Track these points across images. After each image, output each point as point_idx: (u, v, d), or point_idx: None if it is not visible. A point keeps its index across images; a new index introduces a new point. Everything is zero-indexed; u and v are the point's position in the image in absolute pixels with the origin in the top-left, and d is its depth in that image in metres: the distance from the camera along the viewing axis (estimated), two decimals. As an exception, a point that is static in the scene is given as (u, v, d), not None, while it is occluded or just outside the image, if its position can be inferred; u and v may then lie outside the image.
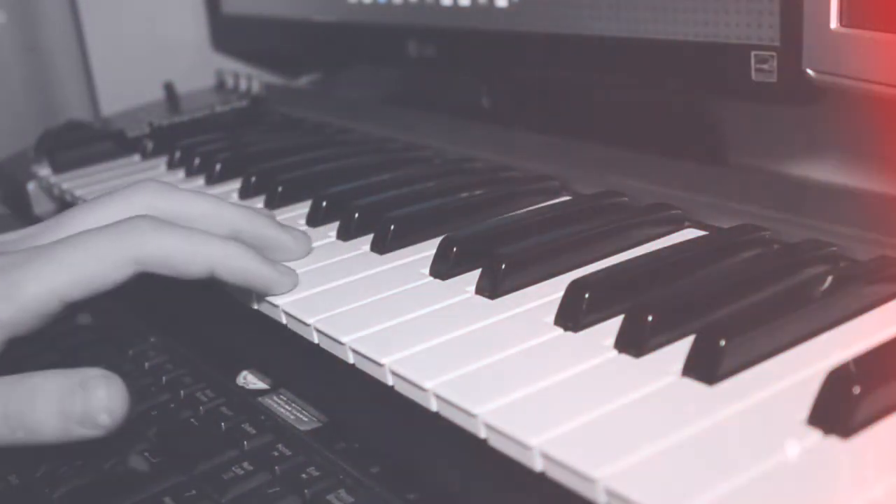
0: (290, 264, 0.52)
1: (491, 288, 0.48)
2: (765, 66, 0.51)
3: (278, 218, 0.63)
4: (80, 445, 0.41)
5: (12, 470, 0.45)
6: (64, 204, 0.79)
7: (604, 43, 0.61)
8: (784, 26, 0.50)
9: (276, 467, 0.43)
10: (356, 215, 0.58)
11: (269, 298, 0.50)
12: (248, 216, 0.52)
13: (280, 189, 0.66)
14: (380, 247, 0.55)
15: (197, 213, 0.50)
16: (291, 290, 0.50)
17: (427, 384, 0.39)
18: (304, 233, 0.55)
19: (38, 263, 0.43)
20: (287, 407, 0.48)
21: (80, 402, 0.40)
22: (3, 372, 0.41)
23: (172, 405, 0.49)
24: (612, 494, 0.32)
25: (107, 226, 0.46)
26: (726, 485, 0.31)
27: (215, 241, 0.47)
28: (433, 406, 0.39)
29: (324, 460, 0.43)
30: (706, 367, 0.38)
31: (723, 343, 0.38)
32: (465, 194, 0.61)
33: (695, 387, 0.37)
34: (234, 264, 0.47)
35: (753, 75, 0.52)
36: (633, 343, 0.40)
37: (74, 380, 0.40)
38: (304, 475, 0.42)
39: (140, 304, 0.59)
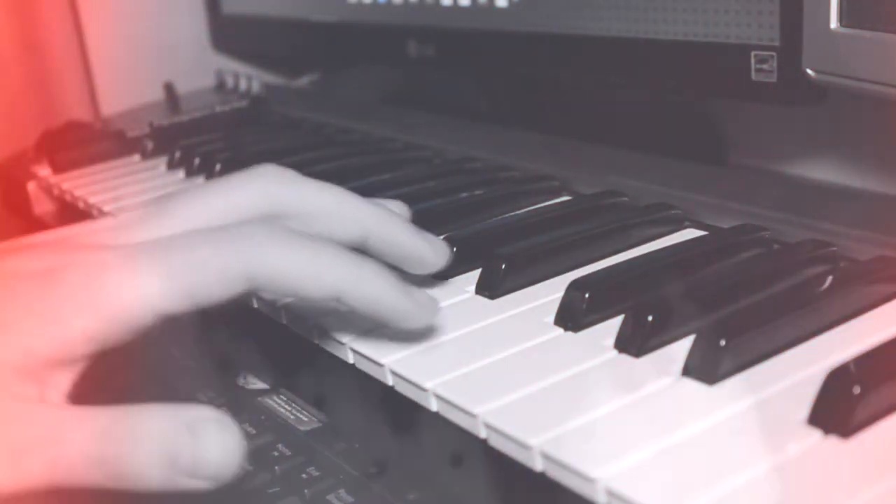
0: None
1: (491, 288, 0.48)
2: (765, 66, 0.51)
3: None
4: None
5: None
6: (64, 204, 0.79)
7: (604, 43, 0.61)
8: (784, 26, 0.50)
9: (276, 467, 0.43)
10: (356, 215, 0.58)
11: (264, 296, 0.49)
12: (383, 217, 0.44)
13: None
14: (380, 247, 0.55)
15: (320, 208, 0.43)
16: (428, 323, 0.42)
17: (427, 384, 0.39)
18: (443, 241, 0.46)
19: (134, 268, 0.36)
20: (287, 407, 0.48)
21: (187, 449, 0.33)
22: (87, 389, 0.36)
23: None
24: (612, 494, 0.32)
25: (218, 229, 0.38)
26: (726, 485, 0.31)
27: (347, 261, 0.39)
28: (433, 406, 0.39)
29: (324, 460, 0.43)
30: (706, 367, 0.38)
31: (723, 343, 0.38)
32: (465, 194, 0.61)
33: (695, 387, 0.37)
34: (366, 290, 0.39)
35: (753, 75, 0.52)
36: (632, 343, 0.40)
37: (182, 421, 0.34)
38: (304, 475, 0.42)
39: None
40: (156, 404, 0.35)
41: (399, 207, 0.48)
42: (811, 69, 0.49)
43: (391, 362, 0.42)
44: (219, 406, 0.48)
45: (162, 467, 0.33)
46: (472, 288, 0.48)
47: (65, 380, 0.36)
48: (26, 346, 0.35)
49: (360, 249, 0.43)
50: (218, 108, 0.92)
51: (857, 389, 0.33)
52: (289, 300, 0.49)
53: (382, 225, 0.44)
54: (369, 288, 0.39)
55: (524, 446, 0.35)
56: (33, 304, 0.35)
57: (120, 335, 0.36)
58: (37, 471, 0.33)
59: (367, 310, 0.40)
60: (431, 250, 0.45)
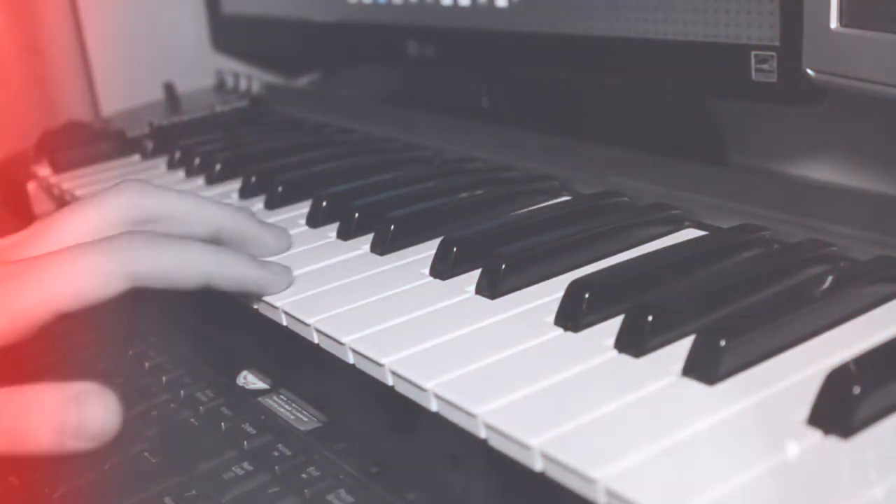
0: (287, 263, 0.53)
1: (491, 288, 0.48)
2: (765, 66, 0.51)
3: (278, 218, 0.63)
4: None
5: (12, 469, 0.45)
6: (64, 204, 0.79)
7: (604, 43, 0.61)
8: (784, 26, 0.50)
9: (276, 467, 0.43)
10: (356, 215, 0.58)
11: (268, 299, 0.50)
12: (230, 213, 0.53)
13: (280, 189, 0.66)
14: (380, 247, 0.55)
15: (179, 212, 0.51)
16: (287, 288, 0.51)
17: (427, 384, 0.39)
18: (283, 228, 0.57)
19: (33, 276, 0.43)
20: (287, 407, 0.48)
21: (74, 415, 0.39)
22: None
23: (172, 405, 0.49)
24: (612, 494, 0.32)
25: (102, 240, 0.46)
26: (726, 485, 0.31)
27: (209, 252, 0.48)
28: (433, 406, 0.39)
29: (324, 460, 0.43)
30: (706, 367, 0.38)
31: (723, 343, 0.38)
32: (465, 194, 0.61)
33: (695, 387, 0.37)
34: (229, 273, 0.48)
35: (753, 75, 0.52)
36: (633, 343, 0.40)
37: (69, 393, 0.40)
38: (304, 475, 0.42)
39: (140, 304, 0.59)
40: (45, 383, 0.41)
41: (245, 209, 0.58)
42: (811, 69, 0.49)
43: (391, 362, 0.42)
44: (218, 406, 0.48)
45: (52, 432, 0.39)
46: (472, 288, 0.48)
47: None
48: None
49: (216, 241, 0.52)
50: (218, 108, 0.92)
51: (857, 389, 0.33)
52: (288, 300, 0.49)
53: (231, 219, 0.53)
54: (231, 271, 0.48)
55: (524, 446, 0.35)
56: None
57: (22, 332, 0.43)
58: None
59: (234, 287, 0.49)
60: (273, 237, 0.55)
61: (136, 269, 0.45)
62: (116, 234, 0.47)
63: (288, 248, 0.56)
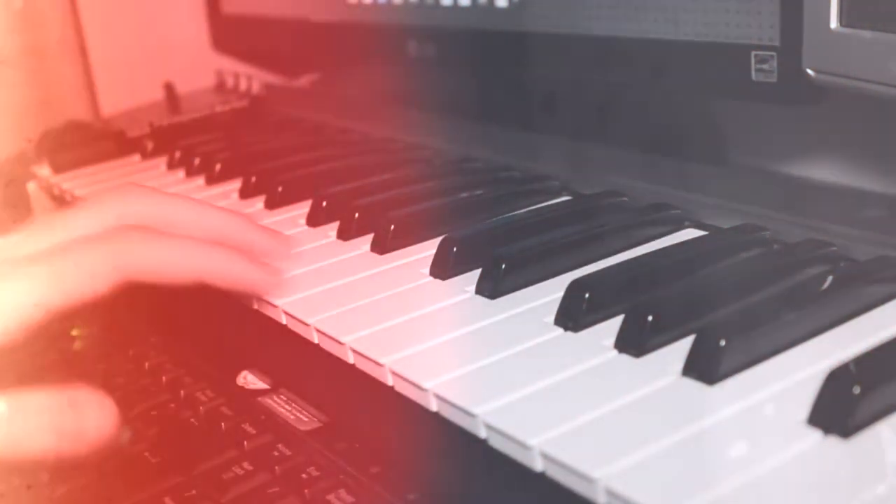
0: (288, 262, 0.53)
1: (491, 288, 0.48)
2: (765, 66, 0.51)
3: (278, 218, 0.63)
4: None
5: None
6: (64, 204, 0.79)
7: (604, 43, 0.61)
8: (784, 26, 0.50)
9: (276, 467, 0.43)
10: (356, 215, 0.58)
11: (270, 298, 0.50)
12: (233, 221, 0.52)
13: (280, 189, 0.66)
14: (380, 247, 0.55)
15: (180, 219, 0.50)
16: (277, 286, 0.50)
17: (427, 384, 0.39)
18: (285, 235, 0.56)
19: (23, 275, 0.43)
20: (287, 407, 0.48)
21: (71, 421, 0.39)
22: None
23: (172, 405, 0.49)
24: (612, 494, 0.32)
25: (94, 235, 0.45)
26: (726, 485, 0.31)
27: (203, 249, 0.47)
28: (433, 406, 0.39)
29: (324, 460, 0.43)
30: (706, 367, 0.38)
31: (723, 343, 0.38)
32: (465, 194, 0.61)
33: (695, 387, 0.37)
34: (223, 271, 0.48)
35: (753, 75, 0.52)
36: (633, 343, 0.40)
37: (66, 398, 0.40)
38: (304, 475, 0.42)
39: (140, 304, 0.59)
40: (45, 387, 0.40)
41: (244, 214, 0.58)
42: (811, 69, 0.49)
43: (391, 362, 0.42)
44: (218, 406, 0.48)
45: (50, 437, 0.39)
46: (472, 288, 0.48)
47: None
48: None
49: None
50: (218, 108, 0.92)
51: (857, 389, 0.33)
52: (288, 300, 0.49)
53: (233, 226, 0.51)
54: (225, 269, 0.48)
55: (524, 446, 0.35)
56: None
57: (15, 333, 0.42)
58: None
59: (227, 285, 0.48)
60: (276, 243, 0.54)
61: (129, 264, 0.44)
62: (110, 229, 0.46)
63: (290, 252, 0.55)
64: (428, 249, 0.53)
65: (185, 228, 0.50)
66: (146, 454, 0.45)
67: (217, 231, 0.51)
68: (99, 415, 0.40)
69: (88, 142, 0.86)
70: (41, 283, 0.42)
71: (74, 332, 0.54)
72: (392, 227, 0.55)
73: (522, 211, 0.58)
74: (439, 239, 0.52)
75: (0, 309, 0.42)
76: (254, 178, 0.69)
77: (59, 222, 0.48)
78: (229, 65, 1.06)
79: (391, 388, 0.42)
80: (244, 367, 0.52)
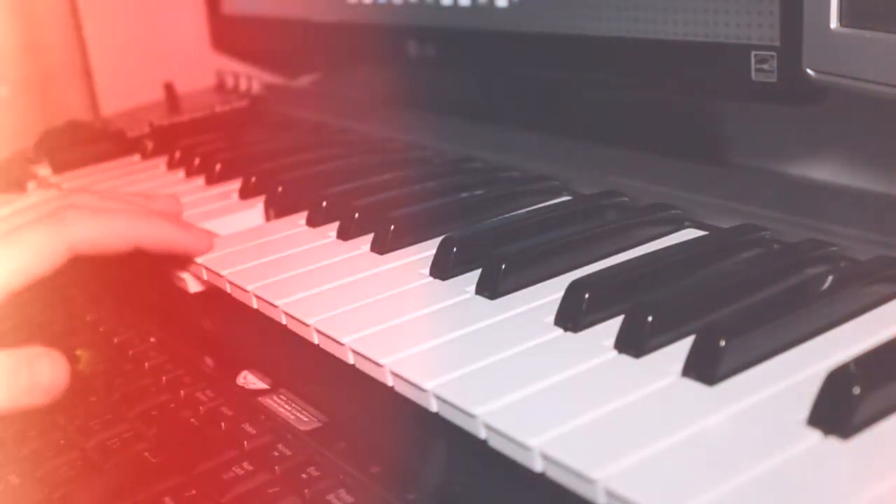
0: (288, 262, 0.54)
1: (491, 288, 0.48)
2: (765, 66, 0.51)
3: (278, 218, 0.63)
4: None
5: (12, 469, 0.45)
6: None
7: (604, 43, 0.61)
8: (784, 26, 0.50)
9: (276, 467, 0.42)
10: (356, 215, 0.58)
11: (270, 298, 0.50)
12: (147, 228, 0.55)
13: (280, 189, 0.66)
14: (380, 247, 0.55)
15: (92, 238, 0.52)
16: (210, 250, 0.56)
17: (427, 384, 0.39)
18: (206, 230, 0.60)
19: None
20: (287, 407, 0.48)
21: (26, 376, 0.44)
22: None
23: (172, 405, 0.49)
24: (611, 495, 0.32)
25: (39, 217, 0.50)
26: (726, 485, 0.31)
27: (138, 218, 0.53)
28: (433, 406, 0.39)
29: (324, 460, 0.43)
30: (706, 367, 0.38)
31: (723, 343, 0.38)
32: (465, 194, 0.61)
33: (695, 387, 0.37)
34: (157, 236, 0.54)
35: (753, 75, 0.52)
36: (633, 343, 0.40)
37: (20, 356, 0.45)
38: (304, 475, 0.42)
39: (140, 304, 0.59)
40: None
41: (171, 205, 0.62)
42: (811, 69, 0.49)
43: (391, 362, 0.42)
44: (218, 406, 0.48)
45: (6, 390, 0.44)
46: (472, 288, 0.48)
47: None
48: None
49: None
50: (218, 108, 0.92)
51: (857, 389, 0.33)
52: (287, 300, 0.49)
53: (147, 233, 0.55)
54: (158, 233, 0.54)
55: (524, 447, 0.35)
56: None
57: None
58: None
59: (162, 250, 0.54)
60: (193, 241, 0.57)
61: (73, 241, 0.49)
62: (52, 209, 0.51)
63: (209, 248, 0.58)
64: (428, 249, 0.53)
65: (104, 246, 0.53)
66: (146, 454, 0.45)
67: (133, 241, 0.54)
68: (51, 369, 0.45)
69: (88, 142, 0.86)
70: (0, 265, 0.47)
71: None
72: (392, 227, 0.55)
73: (522, 211, 0.58)
74: (439, 239, 0.52)
75: None
76: (254, 179, 0.69)
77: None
78: (229, 65, 1.07)
79: (391, 388, 0.42)
80: (244, 367, 0.52)
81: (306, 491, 0.41)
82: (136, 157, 0.85)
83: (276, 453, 0.43)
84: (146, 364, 0.53)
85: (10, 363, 0.45)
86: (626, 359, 0.40)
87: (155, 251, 0.54)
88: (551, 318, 0.44)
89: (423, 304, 0.47)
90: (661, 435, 0.34)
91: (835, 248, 0.47)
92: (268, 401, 0.49)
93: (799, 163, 0.60)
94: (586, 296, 0.43)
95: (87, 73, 1.07)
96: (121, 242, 0.52)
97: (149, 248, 0.54)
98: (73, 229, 0.50)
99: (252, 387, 0.51)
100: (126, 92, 1.04)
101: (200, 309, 0.58)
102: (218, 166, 0.74)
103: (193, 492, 0.42)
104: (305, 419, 0.47)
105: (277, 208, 0.65)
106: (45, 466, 0.45)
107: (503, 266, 0.48)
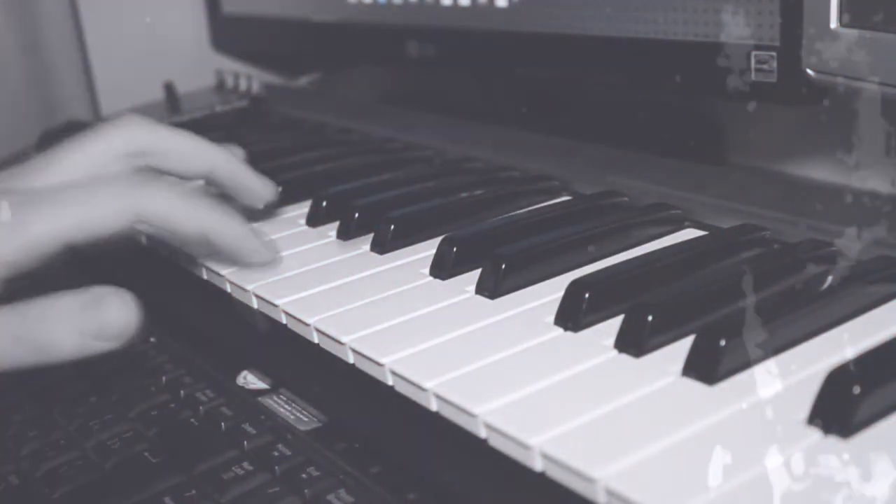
0: (288, 262, 0.54)
1: (491, 288, 0.48)
2: (765, 66, 0.51)
3: (279, 218, 0.63)
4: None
5: (12, 469, 0.45)
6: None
7: (604, 43, 0.61)
8: (784, 26, 0.50)
9: (276, 467, 0.43)
10: (356, 215, 0.58)
11: (270, 298, 0.50)
12: (225, 157, 0.56)
13: (280, 189, 0.66)
14: (380, 247, 0.55)
15: (176, 148, 0.54)
16: (269, 262, 0.53)
17: (427, 384, 0.39)
18: (270, 181, 0.59)
19: (46, 206, 0.44)
20: (287, 407, 0.48)
21: (94, 317, 0.41)
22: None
23: (172, 405, 0.49)
24: (611, 494, 0.32)
25: (115, 177, 0.49)
26: (726, 485, 0.31)
27: (212, 210, 0.50)
28: (433, 406, 0.39)
29: (324, 460, 0.43)
30: (706, 367, 0.38)
31: (723, 343, 0.38)
32: (465, 194, 0.61)
33: (695, 387, 0.37)
34: (226, 231, 0.50)
35: (753, 75, 0.52)
36: (633, 343, 0.40)
37: (87, 297, 0.42)
38: (304, 475, 0.42)
39: (140, 304, 0.59)
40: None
41: (238, 151, 0.61)
42: (811, 69, 0.49)
43: (391, 362, 0.42)
44: (218, 406, 0.48)
45: (73, 334, 0.41)
46: (472, 288, 0.48)
47: None
48: None
49: (210, 180, 0.57)
50: (218, 108, 0.92)
51: (857, 389, 0.33)
52: (287, 300, 0.49)
53: (226, 162, 0.56)
54: (228, 228, 0.50)
55: (524, 446, 0.35)
56: None
57: (30, 262, 0.43)
58: None
59: (226, 245, 0.50)
60: (261, 185, 0.58)
61: (143, 208, 0.46)
62: (129, 174, 0.50)
63: (273, 198, 0.59)
64: (428, 249, 0.53)
65: (181, 158, 0.54)
66: (146, 454, 0.45)
67: (210, 163, 0.55)
68: (120, 309, 0.42)
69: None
70: (63, 214, 0.44)
71: None
72: (392, 227, 0.55)
73: (522, 211, 0.58)
74: (439, 239, 0.52)
75: (21, 237, 0.43)
76: (254, 178, 0.69)
77: (65, 154, 0.51)
78: (229, 65, 1.06)
79: (391, 388, 0.42)
80: (244, 367, 0.52)
81: (306, 491, 0.41)
82: (136, 157, 0.85)
83: (276, 453, 0.44)
84: (146, 364, 0.53)
85: (76, 304, 0.42)
86: (626, 358, 0.40)
87: (220, 247, 0.51)
88: (551, 317, 0.44)
89: (424, 304, 0.47)
90: (661, 434, 0.34)
91: (835, 248, 0.47)
92: (268, 401, 0.49)
93: (799, 163, 0.60)
94: (586, 295, 0.43)
95: (87, 73, 1.07)
96: (189, 228, 0.48)
97: (216, 243, 0.50)
98: (147, 199, 0.47)
99: (252, 387, 0.51)
100: (126, 92, 1.04)
101: (201, 309, 0.58)
102: (218, 166, 0.73)
103: (193, 492, 0.42)
104: (305, 419, 0.47)
105: (278, 208, 0.65)
106: (45, 466, 0.45)
107: (503, 266, 0.48)
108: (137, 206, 0.46)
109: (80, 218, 0.44)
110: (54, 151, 0.52)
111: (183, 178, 0.56)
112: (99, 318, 0.41)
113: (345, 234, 0.58)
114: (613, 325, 0.42)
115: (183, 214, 0.48)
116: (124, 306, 0.42)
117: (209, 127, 0.88)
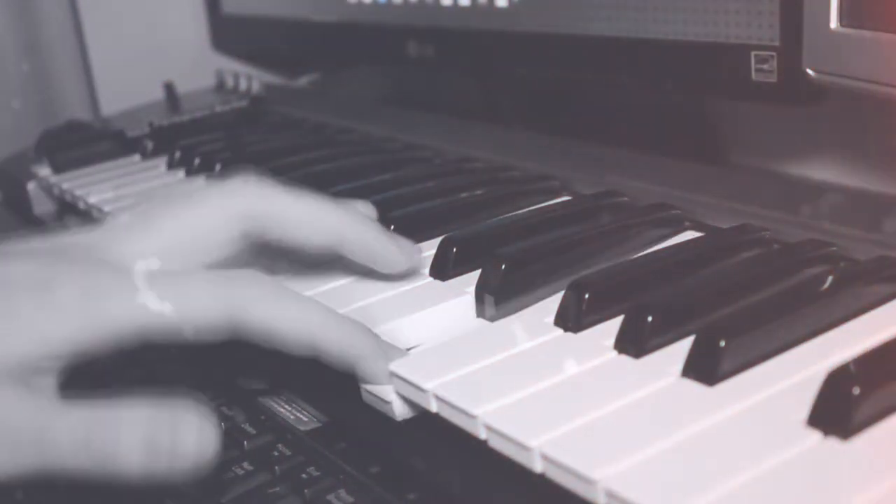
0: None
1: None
2: (765, 66, 0.51)
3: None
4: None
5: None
6: (64, 204, 0.79)
7: (604, 43, 0.61)
8: (784, 26, 0.50)
9: (276, 467, 0.43)
10: (356, 215, 0.58)
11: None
12: (353, 222, 0.47)
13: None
14: (380, 247, 0.55)
15: (296, 218, 0.45)
16: (412, 266, 0.49)
17: (427, 385, 0.39)
18: (411, 242, 0.50)
19: (128, 286, 0.39)
20: (287, 407, 0.48)
21: (167, 436, 0.36)
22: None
23: (172, 405, 0.49)
24: (611, 495, 0.32)
25: (215, 272, 0.41)
26: (726, 485, 0.31)
27: (326, 316, 0.42)
28: (433, 407, 0.39)
29: (324, 460, 0.43)
30: (706, 368, 0.38)
31: (723, 343, 0.38)
32: (465, 194, 0.61)
33: (695, 387, 0.37)
34: (341, 346, 0.42)
35: (753, 75, 0.52)
36: (633, 343, 0.40)
37: (163, 410, 0.37)
38: (304, 475, 0.42)
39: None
40: (139, 396, 0.37)
41: (367, 209, 0.53)
42: (811, 69, 0.49)
43: (391, 363, 0.42)
44: (218, 406, 0.48)
45: (143, 452, 0.36)
46: (472, 288, 0.48)
47: (51, 381, 0.38)
48: (14, 350, 0.37)
49: (336, 253, 0.47)
50: (218, 108, 0.92)
51: (857, 390, 0.33)
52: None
53: (354, 230, 0.47)
54: (343, 344, 0.41)
55: (524, 447, 0.35)
56: (28, 313, 0.37)
57: (102, 347, 0.38)
58: (30, 456, 0.36)
59: (341, 363, 0.42)
60: (399, 251, 0.48)
61: (242, 317, 0.40)
62: (232, 272, 0.41)
63: (417, 266, 0.50)
64: (428, 249, 0.53)
65: (304, 228, 0.46)
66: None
67: (337, 234, 0.46)
68: (198, 430, 0.37)
69: (88, 142, 0.86)
70: (148, 302, 0.38)
71: None
72: (392, 227, 0.55)
73: (522, 211, 0.58)
74: (439, 239, 0.52)
75: (96, 318, 0.38)
76: (254, 179, 0.69)
77: (171, 217, 0.44)
78: (229, 65, 1.07)
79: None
80: (244, 367, 0.52)
81: (306, 491, 0.41)
82: (136, 157, 0.85)
83: (276, 453, 0.44)
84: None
85: (150, 417, 0.36)
86: (626, 359, 0.40)
87: (330, 360, 0.42)
88: (551, 318, 0.44)
89: (422, 305, 0.47)
90: (661, 435, 0.34)
91: (835, 248, 0.47)
92: (268, 401, 0.49)
93: (799, 163, 0.60)
94: (586, 296, 0.43)
95: (87, 73, 1.07)
96: (294, 336, 0.41)
97: (326, 355, 0.42)
98: (248, 306, 0.40)
99: (252, 387, 0.51)
100: (126, 92, 1.04)
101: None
102: (218, 166, 0.74)
103: (193, 492, 0.42)
104: (305, 419, 0.47)
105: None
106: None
107: (503, 266, 0.48)
108: (233, 316, 0.40)
109: (165, 311, 0.38)
110: (156, 210, 0.44)
111: (304, 250, 0.47)
112: (174, 439, 0.36)
113: (345, 235, 0.58)
114: (613, 325, 0.42)
115: (288, 325, 0.41)
116: (204, 429, 0.37)
117: (209, 127, 0.88)
